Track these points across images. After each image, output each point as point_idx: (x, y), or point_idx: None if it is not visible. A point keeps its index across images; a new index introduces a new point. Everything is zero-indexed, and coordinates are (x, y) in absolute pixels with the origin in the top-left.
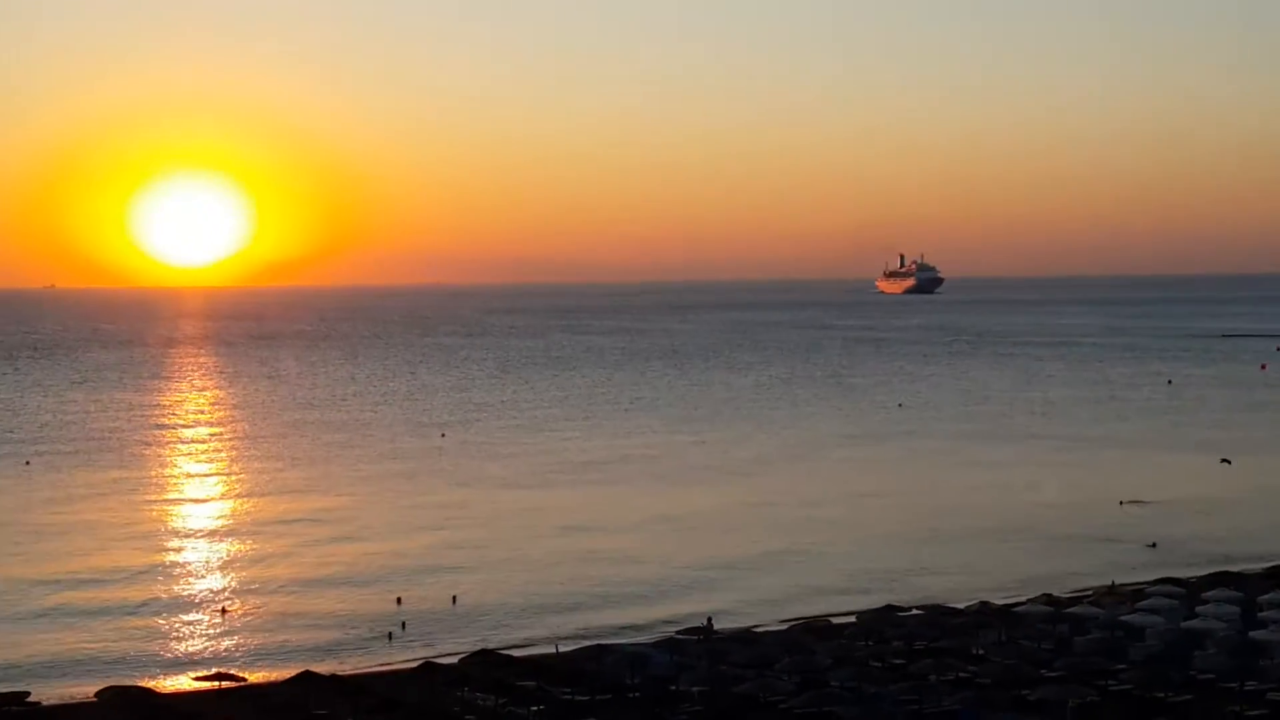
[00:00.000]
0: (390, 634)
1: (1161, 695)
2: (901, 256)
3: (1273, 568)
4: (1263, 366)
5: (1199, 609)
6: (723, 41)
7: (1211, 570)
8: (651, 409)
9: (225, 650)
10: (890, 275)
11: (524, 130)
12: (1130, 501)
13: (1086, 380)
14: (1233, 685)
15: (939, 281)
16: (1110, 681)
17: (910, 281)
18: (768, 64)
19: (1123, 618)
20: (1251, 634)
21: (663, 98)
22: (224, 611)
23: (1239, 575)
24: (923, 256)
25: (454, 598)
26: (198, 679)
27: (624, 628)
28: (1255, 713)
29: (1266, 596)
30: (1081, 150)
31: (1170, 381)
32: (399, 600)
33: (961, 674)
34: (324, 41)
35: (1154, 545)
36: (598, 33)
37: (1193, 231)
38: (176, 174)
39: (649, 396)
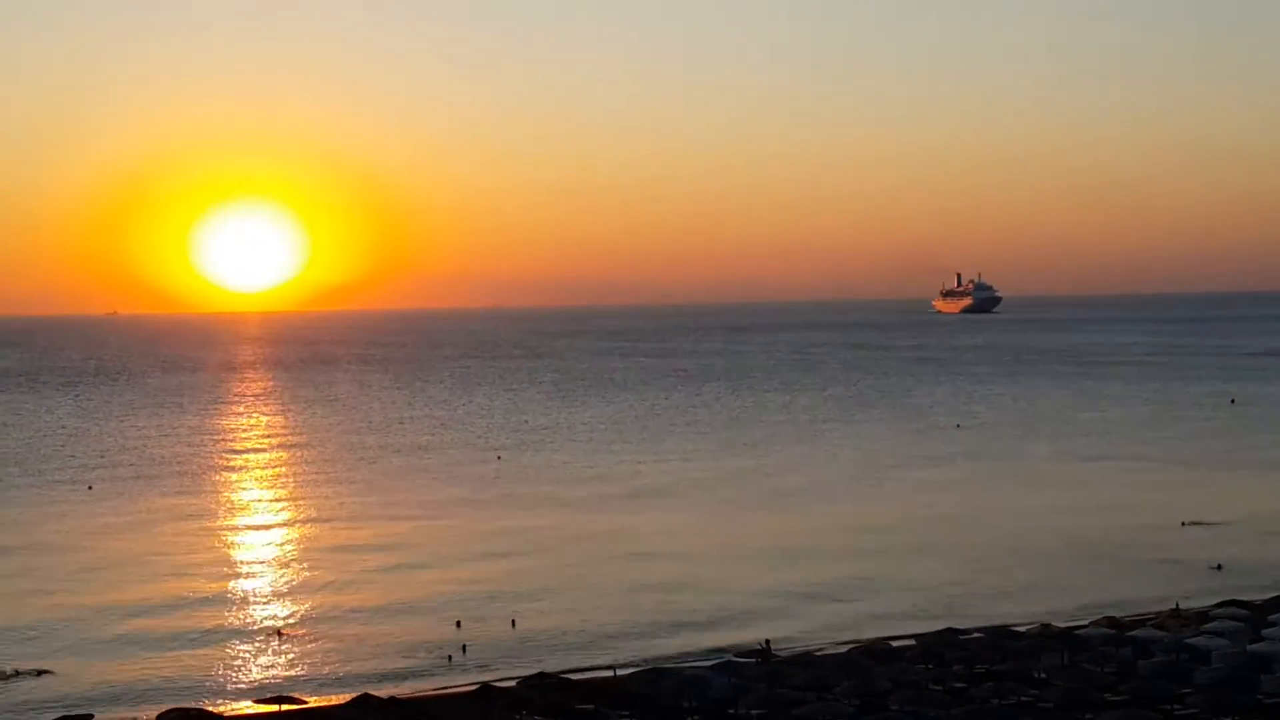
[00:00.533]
0: (449, 658)
1: (1228, 719)
2: (958, 276)
3: None
4: None
5: (1265, 632)
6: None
7: (1278, 593)
8: (708, 431)
9: (285, 675)
10: (947, 295)
11: (573, 153)
12: (1193, 523)
13: (1146, 399)
14: None
15: (997, 301)
16: (1175, 705)
17: (967, 301)
18: (820, 81)
19: (1187, 641)
20: None
21: (713, 118)
22: (279, 634)
23: None
24: (980, 275)
25: (513, 621)
26: (258, 702)
27: (682, 654)
28: None
29: None
30: (1138, 167)
31: (1233, 400)
32: (458, 624)
33: (1023, 698)
34: (375, 72)
35: (1219, 567)
36: (646, 57)
37: (1251, 248)
38: (234, 202)
39: (705, 419)
